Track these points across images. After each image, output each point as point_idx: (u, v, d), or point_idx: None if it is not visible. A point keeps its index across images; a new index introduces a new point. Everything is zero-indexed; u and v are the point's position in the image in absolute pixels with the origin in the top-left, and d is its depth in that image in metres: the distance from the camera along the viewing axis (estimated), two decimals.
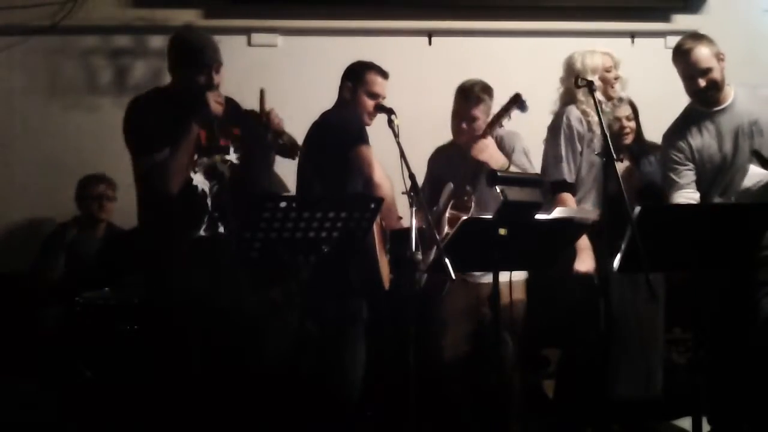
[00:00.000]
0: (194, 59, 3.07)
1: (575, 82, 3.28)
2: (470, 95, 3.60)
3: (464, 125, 3.60)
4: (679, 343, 4.09)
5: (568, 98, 3.64)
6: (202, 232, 3.03)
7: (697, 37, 3.50)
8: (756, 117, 3.43)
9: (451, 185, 3.58)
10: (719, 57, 3.44)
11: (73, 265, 4.24)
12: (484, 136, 3.48)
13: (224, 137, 3.16)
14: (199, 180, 3.07)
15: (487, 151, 3.46)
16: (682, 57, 3.46)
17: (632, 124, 3.88)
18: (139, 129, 3.08)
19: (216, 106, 3.04)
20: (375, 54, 3.76)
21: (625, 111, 3.86)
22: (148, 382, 3.38)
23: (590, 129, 3.56)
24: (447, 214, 3.53)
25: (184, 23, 4.53)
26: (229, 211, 3.04)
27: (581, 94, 3.54)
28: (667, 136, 3.61)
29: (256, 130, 3.16)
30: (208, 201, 3.08)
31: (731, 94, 3.49)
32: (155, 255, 3.09)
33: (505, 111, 3.41)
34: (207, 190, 3.08)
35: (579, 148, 3.54)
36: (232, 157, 3.17)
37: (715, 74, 3.42)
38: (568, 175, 3.51)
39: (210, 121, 3.05)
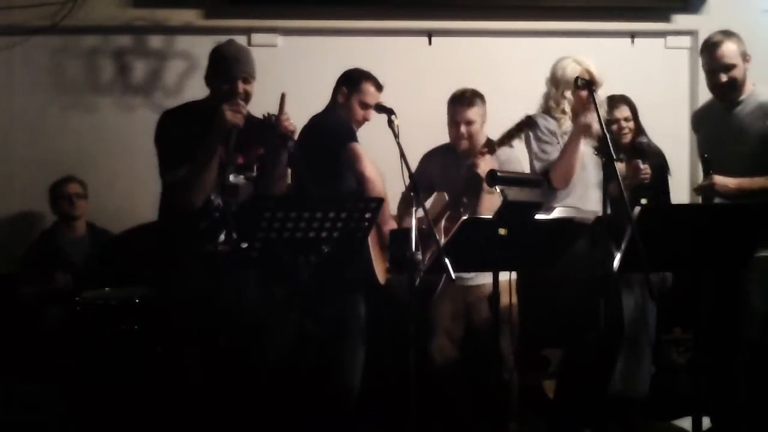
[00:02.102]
0: (223, 70, 3.04)
1: (575, 81, 3.31)
2: (463, 99, 3.64)
3: (462, 129, 3.61)
4: (679, 343, 4.10)
5: (546, 99, 3.64)
6: (219, 247, 2.98)
7: (728, 33, 3.51)
8: (746, 126, 3.47)
9: (445, 196, 3.58)
10: (745, 57, 3.47)
11: (62, 266, 4.25)
12: (491, 152, 3.46)
13: (245, 155, 3.10)
14: (217, 195, 2.99)
15: (487, 167, 3.46)
16: (709, 50, 3.49)
17: (630, 124, 3.91)
18: (166, 143, 3.04)
19: (232, 116, 2.92)
20: (375, 54, 3.77)
21: (623, 112, 3.89)
22: (148, 382, 3.39)
23: (563, 131, 3.58)
24: (443, 224, 3.52)
25: (184, 23, 4.57)
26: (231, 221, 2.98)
27: (553, 102, 3.57)
28: (692, 122, 3.80)
29: (273, 142, 3.08)
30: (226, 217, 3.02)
31: (743, 95, 3.51)
32: (167, 259, 3.07)
33: (517, 131, 3.40)
34: (222, 204, 3.03)
35: (554, 140, 3.54)
36: (255, 177, 3.11)
37: (737, 72, 3.45)
38: (552, 156, 3.51)
39: (227, 133, 2.94)
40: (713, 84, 3.52)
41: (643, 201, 3.52)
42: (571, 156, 3.43)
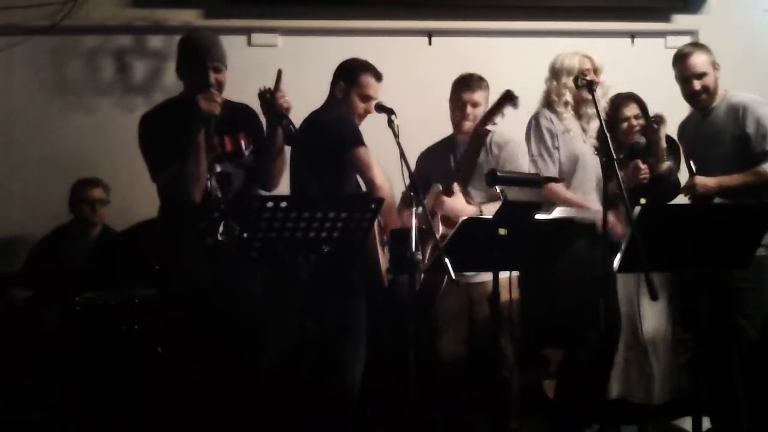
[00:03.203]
0: (193, 61, 3.04)
1: (575, 81, 3.34)
2: (470, 82, 3.65)
3: (469, 110, 3.61)
4: (679, 343, 4.09)
5: (546, 95, 3.70)
6: (219, 237, 2.99)
7: (697, 45, 3.77)
8: (720, 128, 3.64)
9: (438, 186, 3.57)
10: (715, 66, 3.67)
11: (68, 266, 4.24)
12: (477, 129, 3.50)
13: (232, 141, 3.10)
14: (212, 186, 3.02)
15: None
16: (680, 60, 3.71)
17: (641, 121, 3.88)
18: (152, 145, 3.04)
19: (207, 105, 2.93)
20: (375, 54, 3.75)
21: (632, 110, 3.87)
22: (148, 382, 3.39)
23: (565, 128, 3.59)
24: (439, 215, 3.52)
25: (184, 23, 4.57)
26: (229, 214, 3.00)
27: (554, 95, 3.63)
28: (678, 130, 3.91)
29: (268, 119, 3.10)
30: (222, 206, 3.04)
31: (717, 101, 3.69)
32: (169, 256, 3.09)
33: (498, 108, 3.42)
34: (219, 195, 3.05)
35: (553, 143, 3.60)
36: (249, 161, 3.12)
37: (708, 80, 3.65)
38: (545, 170, 3.55)
39: (205, 122, 2.95)
40: (688, 92, 3.71)
41: (642, 201, 3.53)
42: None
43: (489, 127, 3.47)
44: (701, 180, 3.58)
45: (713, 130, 3.66)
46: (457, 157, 3.64)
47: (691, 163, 3.64)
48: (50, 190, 4.53)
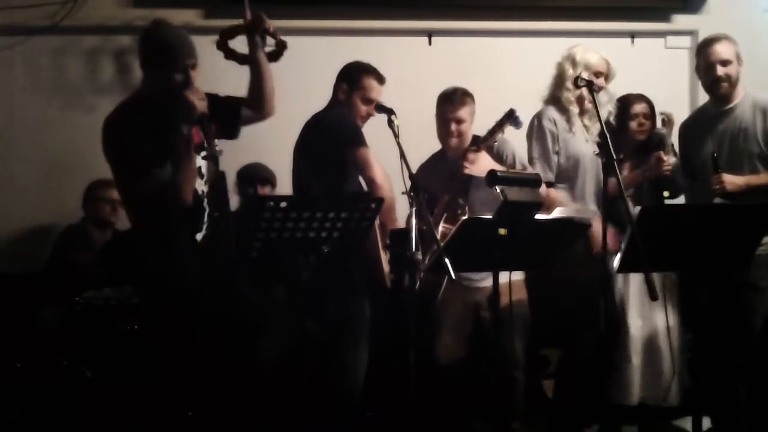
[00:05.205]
0: (169, 58, 2.95)
1: (575, 81, 3.32)
2: (454, 98, 3.58)
3: (453, 128, 3.56)
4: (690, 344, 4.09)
5: (557, 83, 3.68)
6: (204, 232, 2.97)
7: (724, 35, 3.67)
8: (746, 125, 3.57)
9: (446, 197, 3.56)
10: (739, 58, 3.62)
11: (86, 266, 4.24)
12: (477, 150, 3.45)
13: (201, 133, 3.01)
14: (198, 183, 2.99)
15: (480, 164, 3.42)
16: (706, 47, 3.64)
17: (649, 122, 3.88)
18: (126, 149, 2.94)
19: (201, 104, 2.89)
20: (374, 54, 3.75)
21: (643, 108, 3.88)
22: (149, 382, 3.39)
23: (570, 127, 3.58)
24: (440, 228, 3.50)
25: (184, 23, 4.57)
26: (227, 211, 2.97)
27: (571, 84, 3.57)
28: (680, 129, 3.83)
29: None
30: (205, 203, 3.03)
31: (737, 98, 3.62)
32: (158, 258, 3.03)
33: (499, 126, 3.38)
34: (204, 190, 3.03)
35: (554, 147, 3.60)
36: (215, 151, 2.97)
37: (732, 69, 3.59)
38: (542, 173, 3.53)
39: (200, 121, 2.90)
40: (710, 80, 3.62)
41: (666, 194, 3.53)
42: None
43: (489, 143, 3.45)
44: (729, 177, 3.49)
45: (740, 126, 3.58)
46: (452, 169, 3.60)
47: (716, 158, 3.54)
48: (50, 190, 4.53)
